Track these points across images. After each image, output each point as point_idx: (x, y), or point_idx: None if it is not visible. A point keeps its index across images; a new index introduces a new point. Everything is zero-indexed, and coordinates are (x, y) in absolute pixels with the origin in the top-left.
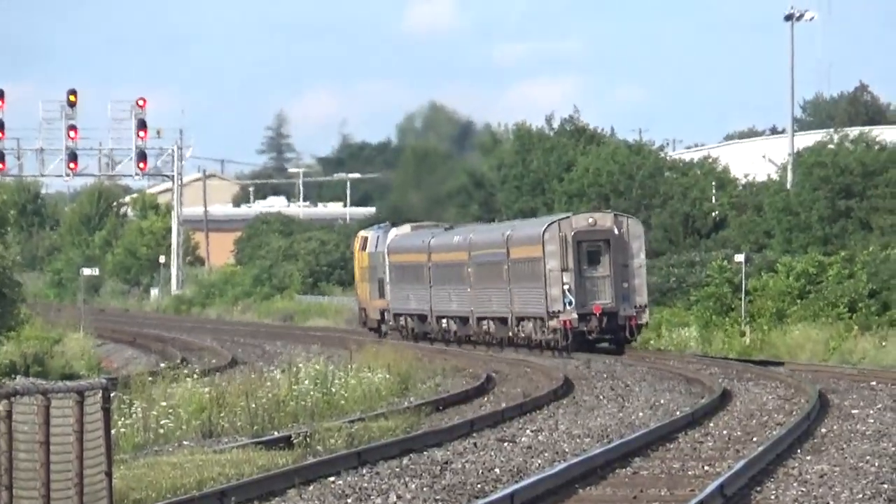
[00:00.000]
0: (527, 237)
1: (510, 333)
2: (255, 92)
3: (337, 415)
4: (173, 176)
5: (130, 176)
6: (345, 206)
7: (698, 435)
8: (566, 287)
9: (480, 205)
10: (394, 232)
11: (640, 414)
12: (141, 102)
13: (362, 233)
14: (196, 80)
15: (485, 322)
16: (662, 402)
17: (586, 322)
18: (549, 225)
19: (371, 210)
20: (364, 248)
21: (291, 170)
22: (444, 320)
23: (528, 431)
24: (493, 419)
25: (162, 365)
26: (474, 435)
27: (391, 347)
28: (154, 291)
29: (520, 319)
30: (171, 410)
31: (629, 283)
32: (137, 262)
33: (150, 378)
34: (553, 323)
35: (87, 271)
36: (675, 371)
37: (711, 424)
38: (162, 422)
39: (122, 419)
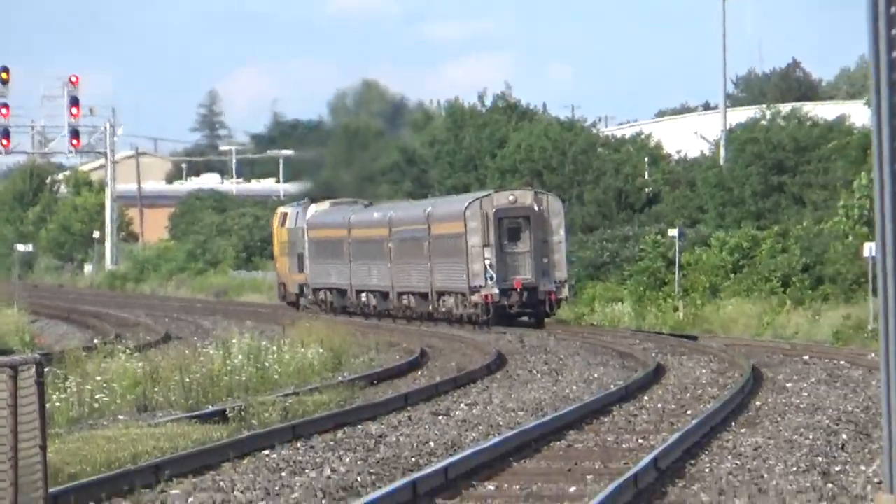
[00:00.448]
0: (449, 214)
1: (430, 308)
2: (188, 70)
3: (271, 390)
4: (106, 153)
5: (63, 153)
6: (277, 182)
7: (632, 409)
8: (487, 263)
9: (413, 181)
10: (313, 208)
11: (574, 388)
12: (74, 79)
13: (281, 209)
14: (129, 59)
15: (405, 297)
16: (596, 376)
17: (507, 297)
18: (470, 202)
19: (305, 186)
20: (283, 223)
21: (224, 147)
22: (364, 294)
23: (462, 405)
24: (428, 393)
25: (96, 340)
26: (409, 409)
27: (324, 323)
28: (88, 267)
29: (440, 294)
30: (105, 385)
31: (549, 259)
32: (71, 238)
33: (84, 353)
34: (475, 298)
35: (20, 247)
36: (608, 346)
37: (645, 398)
38: (97, 396)
39: (57, 394)
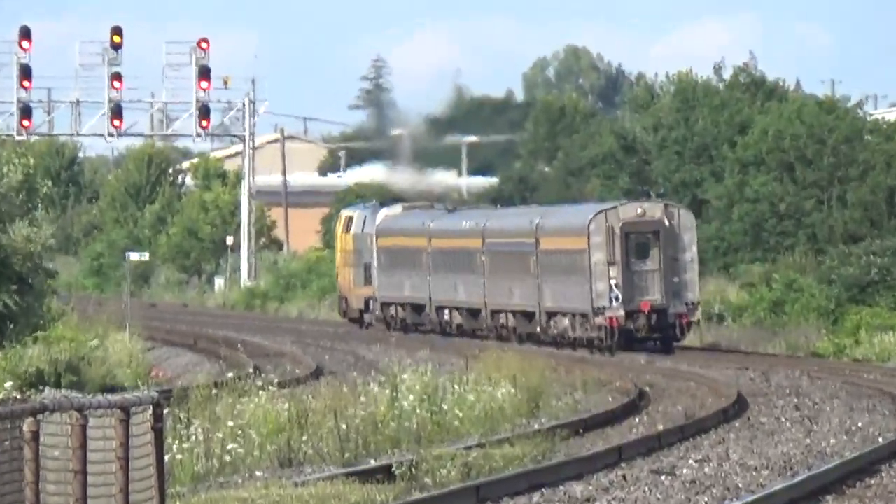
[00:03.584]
0: (567, 227)
1: (537, 329)
2: (347, 33)
3: (449, 439)
4: (244, 136)
5: (190, 136)
6: (459, 175)
7: None
8: (613, 282)
9: (631, 175)
10: (384, 212)
11: (833, 440)
12: (204, 45)
13: (346, 212)
14: (272, 18)
15: (501, 315)
16: (860, 425)
17: (633, 320)
18: (595, 215)
19: (491, 181)
20: (348, 229)
21: (394, 131)
22: (447, 311)
23: (690, 462)
24: (647, 445)
25: (229, 375)
26: (623, 465)
27: (517, 354)
28: (219, 282)
29: (551, 315)
30: (240, 432)
31: (680, 279)
32: (199, 245)
33: (213, 391)
34: (598, 320)
35: (134, 256)
36: (876, 387)
37: None
38: (229, 446)
39: (178, 442)
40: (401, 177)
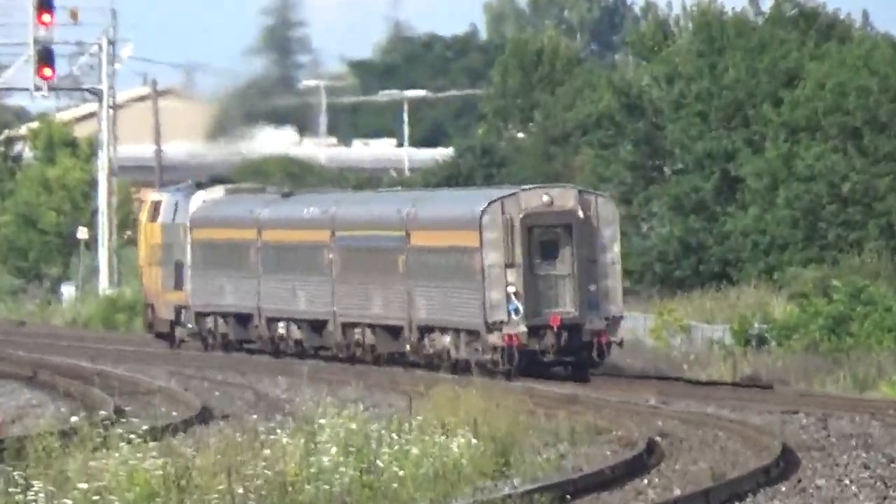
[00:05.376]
0: (450, 218)
1: (406, 347)
2: None
3: None
4: (100, 91)
5: (26, 90)
6: (399, 145)
7: None
8: (512, 290)
9: (636, 144)
10: (200, 197)
11: None
12: None
13: (153, 196)
14: None
15: (356, 330)
16: None
17: (539, 338)
18: (489, 203)
19: (443, 152)
20: (155, 218)
21: (306, 82)
22: (282, 324)
23: None
24: None
25: (78, 419)
26: None
27: (480, 392)
28: (68, 290)
29: (425, 330)
30: (96, 497)
31: (598, 286)
32: (39, 239)
33: (60, 442)
34: (492, 338)
35: None
36: None
37: None
38: None
39: None
40: (316, 146)
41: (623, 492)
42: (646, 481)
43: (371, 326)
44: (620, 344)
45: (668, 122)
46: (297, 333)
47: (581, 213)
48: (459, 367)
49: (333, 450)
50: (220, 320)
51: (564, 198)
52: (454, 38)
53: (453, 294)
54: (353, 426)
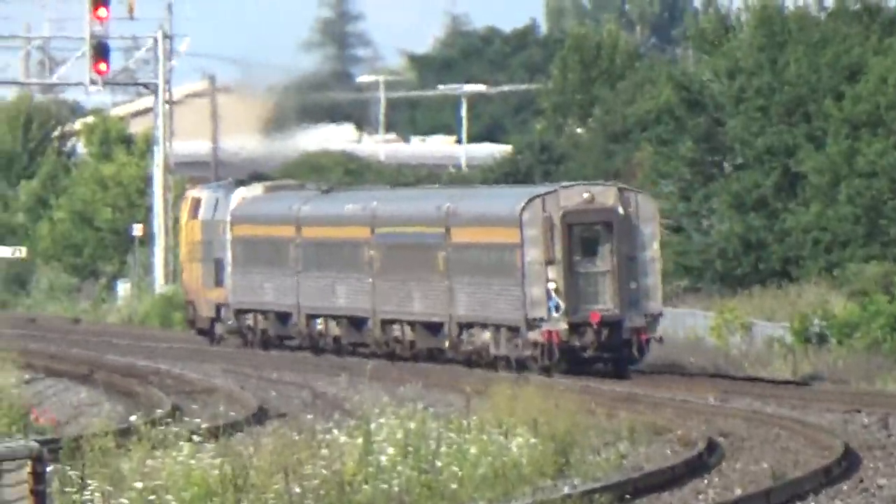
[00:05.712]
0: (490, 215)
1: (445, 343)
2: None
3: None
4: (156, 86)
5: (81, 85)
6: (457, 141)
7: None
8: (552, 286)
9: (697, 140)
10: (240, 193)
11: None
12: None
13: (193, 193)
14: None
15: (395, 326)
16: None
17: (579, 335)
18: (529, 200)
19: (501, 149)
20: (195, 214)
21: (364, 78)
22: (320, 321)
23: None
24: None
25: (134, 418)
26: None
27: (538, 390)
28: (124, 288)
29: (464, 326)
30: (153, 497)
31: (638, 283)
32: (95, 237)
33: (117, 441)
34: (533, 334)
35: (5, 252)
36: None
37: None
38: None
39: None
40: (375, 143)
41: (683, 492)
42: (706, 481)
43: (410, 323)
44: (660, 340)
45: (729, 118)
46: (335, 330)
47: (621, 211)
48: (498, 364)
49: (391, 449)
50: (260, 317)
51: (605, 195)
52: (513, 33)
53: (493, 290)
54: (412, 425)
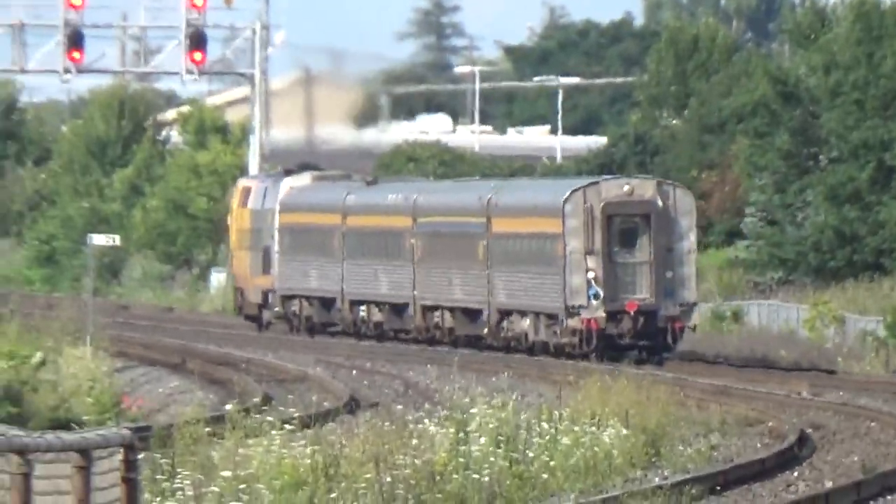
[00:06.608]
0: (532, 206)
1: (484, 330)
2: None
3: (536, 498)
4: (252, 76)
5: (177, 74)
6: (553, 132)
7: None
8: (591, 276)
9: (793, 133)
10: (288, 183)
11: None
12: None
13: (243, 181)
14: None
15: (436, 313)
16: None
17: (616, 322)
18: (571, 192)
19: (597, 140)
20: (245, 203)
21: (460, 69)
22: (363, 307)
23: None
24: None
25: (229, 407)
26: None
27: (630, 382)
28: (218, 277)
29: (504, 314)
30: (244, 486)
31: (674, 274)
32: (189, 225)
33: (208, 429)
34: (572, 322)
35: (99, 239)
36: None
37: None
38: None
39: (159, 499)
40: (469, 133)
41: (773, 483)
42: (796, 473)
43: (450, 309)
44: (694, 329)
45: (824, 111)
46: (377, 316)
47: (660, 203)
48: (536, 349)
49: (483, 439)
50: (305, 303)
51: (644, 188)
52: (609, 25)
53: (534, 279)
54: (503, 415)
